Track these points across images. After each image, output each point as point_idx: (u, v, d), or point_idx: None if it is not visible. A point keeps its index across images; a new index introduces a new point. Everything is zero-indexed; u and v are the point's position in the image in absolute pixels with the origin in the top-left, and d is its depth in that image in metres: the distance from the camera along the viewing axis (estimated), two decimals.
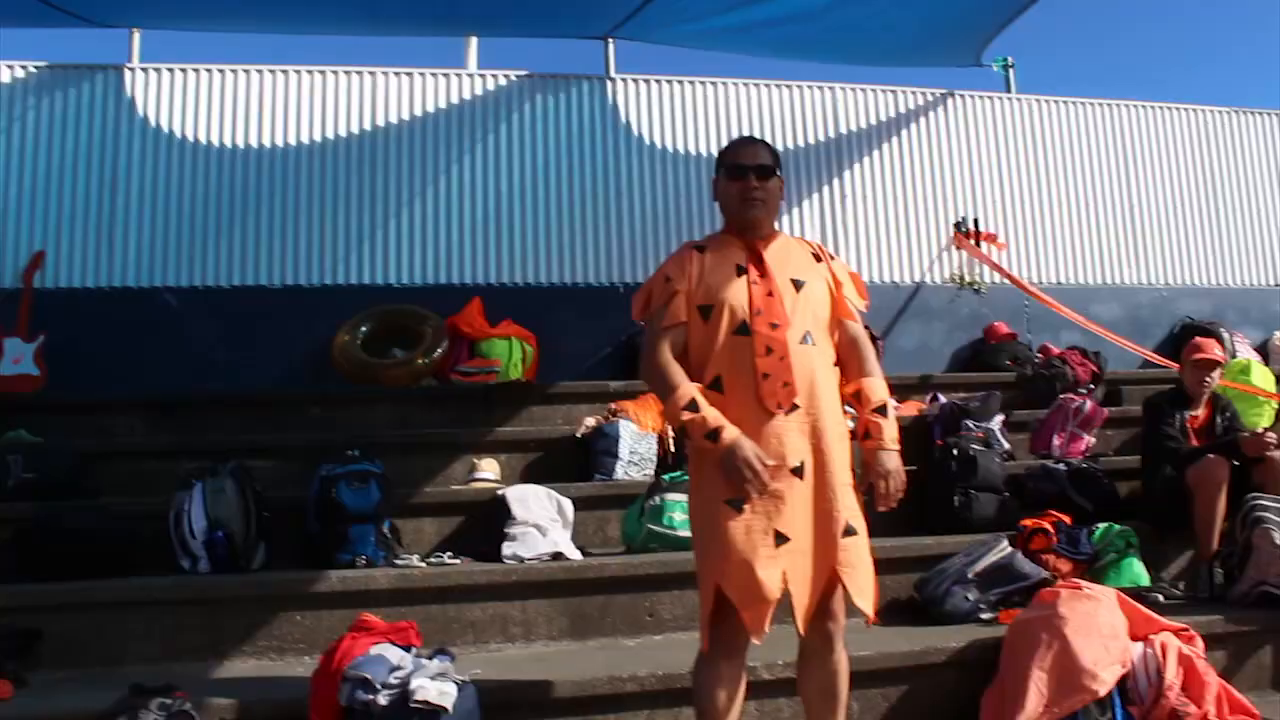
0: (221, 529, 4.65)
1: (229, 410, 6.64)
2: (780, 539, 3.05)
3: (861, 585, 3.13)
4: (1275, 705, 4.20)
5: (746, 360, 3.12)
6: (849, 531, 3.13)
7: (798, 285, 3.24)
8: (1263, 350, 9.11)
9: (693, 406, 3.08)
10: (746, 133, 8.83)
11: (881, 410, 3.26)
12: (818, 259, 3.37)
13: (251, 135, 8.10)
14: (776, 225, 3.46)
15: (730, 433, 3.04)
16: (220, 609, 4.27)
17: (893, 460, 3.21)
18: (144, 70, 8.04)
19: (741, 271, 3.23)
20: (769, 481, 3.01)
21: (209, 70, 8.14)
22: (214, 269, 7.85)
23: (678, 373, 3.15)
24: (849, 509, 3.16)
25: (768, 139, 8.66)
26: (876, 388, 3.29)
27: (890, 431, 3.24)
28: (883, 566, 4.72)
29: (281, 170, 8.10)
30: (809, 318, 3.22)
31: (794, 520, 3.07)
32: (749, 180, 3.27)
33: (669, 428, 5.93)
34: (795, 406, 3.12)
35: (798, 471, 3.10)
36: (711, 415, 3.07)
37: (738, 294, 3.19)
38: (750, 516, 3.05)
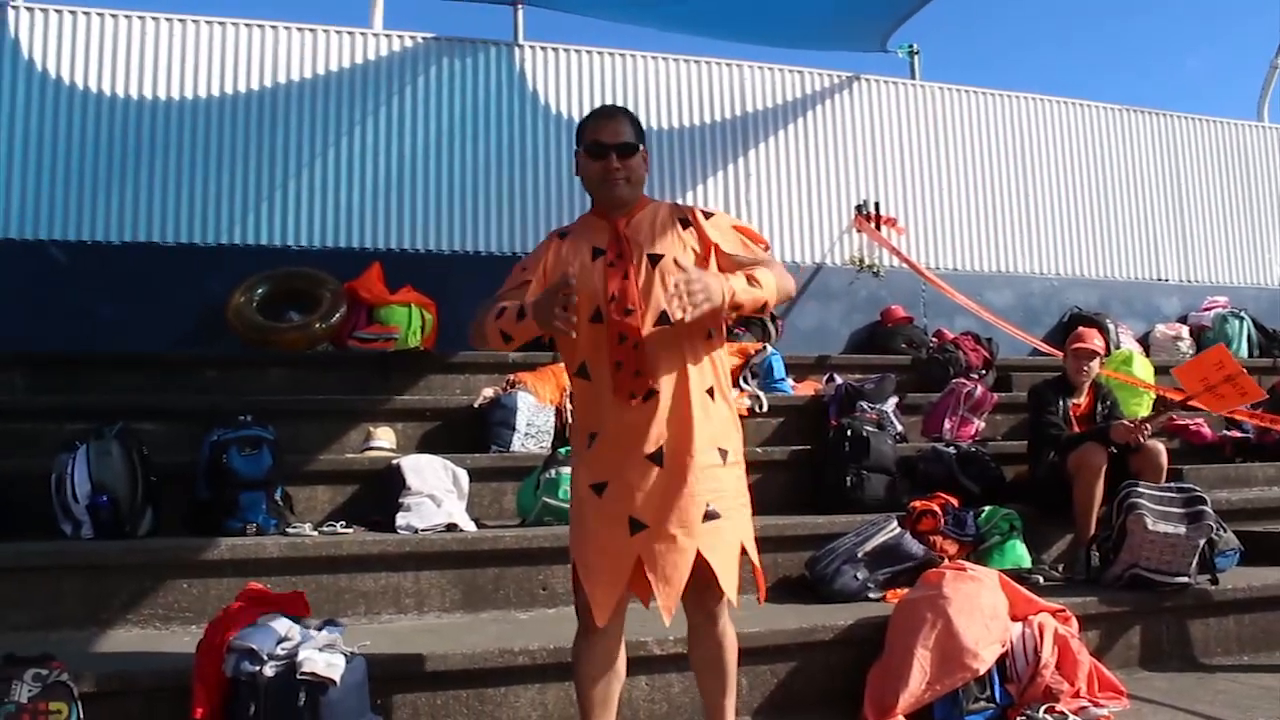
0: (106, 493, 4.50)
1: (116, 370, 6.44)
2: (636, 526, 2.99)
3: (723, 569, 3.03)
4: (1142, 682, 4.39)
5: (604, 347, 3.04)
6: (710, 515, 3.01)
7: (654, 261, 3.06)
8: (1145, 341, 9.47)
9: (498, 313, 3.08)
10: (655, 107, 8.88)
11: (753, 283, 3.02)
12: (686, 224, 3.16)
13: (146, 85, 7.84)
14: (647, 192, 3.28)
15: (533, 297, 3.02)
16: (103, 576, 4.15)
17: (712, 281, 2.88)
18: (29, 9, 7.70)
19: (598, 254, 3.09)
20: (571, 312, 2.84)
21: (101, 14, 7.85)
22: (104, 223, 7.60)
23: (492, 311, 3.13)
24: (713, 492, 3.03)
25: (674, 115, 8.84)
26: (765, 275, 3.07)
27: (737, 281, 2.98)
28: (774, 544, 4.88)
29: (177, 123, 7.86)
30: (663, 298, 3.00)
31: (651, 507, 3.00)
32: (610, 160, 3.10)
33: (567, 402, 5.92)
34: (653, 392, 3.01)
35: (655, 458, 3.00)
36: (514, 304, 3.06)
37: (591, 280, 3.05)
38: (608, 502, 3.02)
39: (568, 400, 5.90)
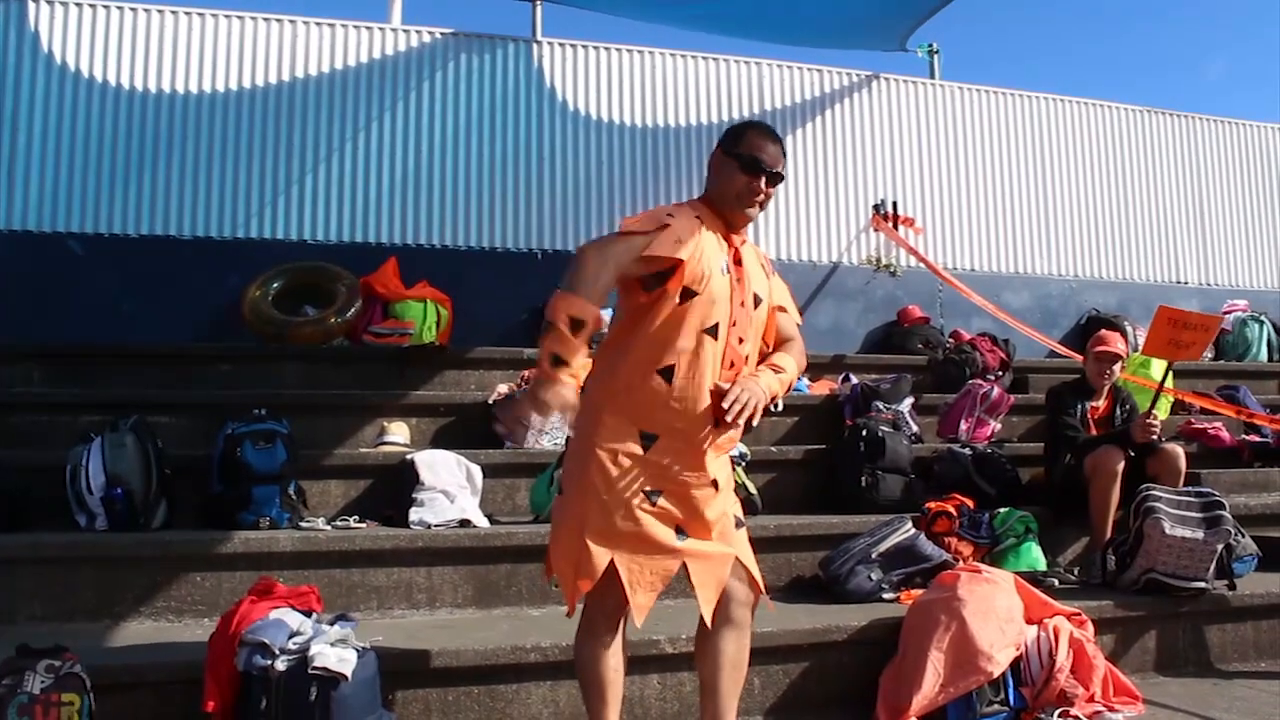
0: (121, 486, 4.51)
1: (132, 363, 6.45)
2: (682, 535, 3.05)
3: (755, 567, 3.18)
4: (1157, 687, 4.35)
5: (708, 364, 3.01)
6: (739, 524, 3.21)
7: (756, 302, 3.15)
8: None
9: (578, 324, 2.82)
10: (673, 104, 8.84)
11: (779, 370, 3.13)
12: (764, 272, 3.26)
13: (165, 78, 7.86)
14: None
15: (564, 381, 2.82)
16: (117, 568, 4.16)
17: (756, 390, 3.00)
18: (49, 3, 7.73)
19: (725, 271, 3.06)
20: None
21: (120, 8, 7.87)
22: (121, 217, 7.62)
23: (600, 291, 2.88)
24: (734, 502, 3.25)
25: (693, 112, 8.82)
26: (788, 361, 3.20)
27: (770, 379, 3.08)
28: (789, 544, 4.88)
29: (195, 117, 7.88)
30: (755, 339, 3.16)
31: (700, 520, 3.07)
32: (760, 182, 3.09)
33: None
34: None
35: (715, 484, 3.10)
36: (590, 320, 2.83)
37: (723, 295, 3.02)
38: (661, 511, 3.03)
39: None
